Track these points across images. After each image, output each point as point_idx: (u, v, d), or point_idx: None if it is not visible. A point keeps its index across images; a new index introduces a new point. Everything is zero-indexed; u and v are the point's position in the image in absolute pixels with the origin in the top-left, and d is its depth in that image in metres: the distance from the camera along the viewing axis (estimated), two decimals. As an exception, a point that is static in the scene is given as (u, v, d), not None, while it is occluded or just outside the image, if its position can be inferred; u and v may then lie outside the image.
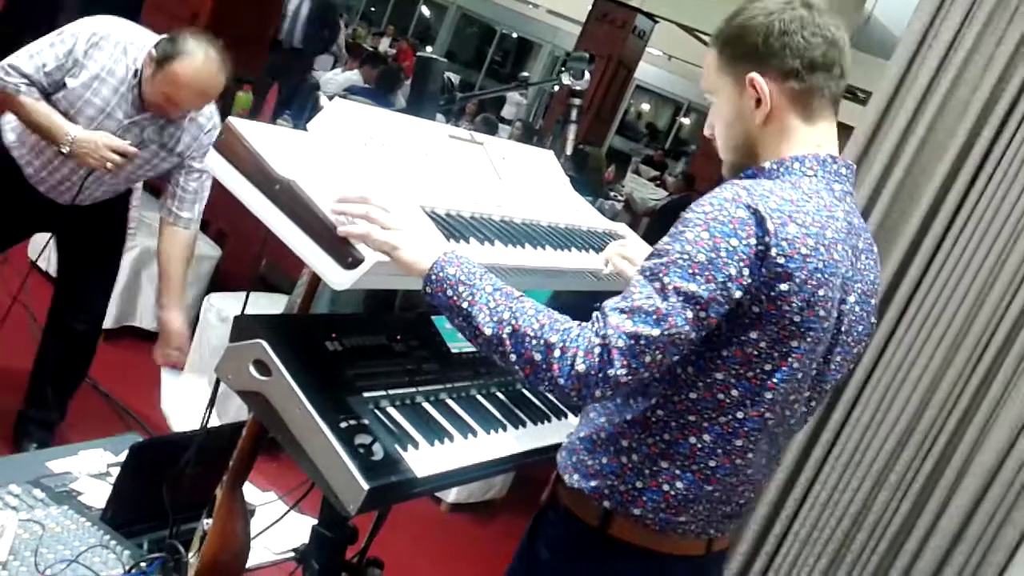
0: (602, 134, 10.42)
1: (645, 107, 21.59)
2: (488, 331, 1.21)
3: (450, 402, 1.52)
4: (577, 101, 1.98)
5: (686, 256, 1.15)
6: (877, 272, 1.37)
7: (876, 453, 2.65)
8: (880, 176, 2.69)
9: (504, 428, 1.54)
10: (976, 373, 2.52)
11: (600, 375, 1.14)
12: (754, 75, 1.25)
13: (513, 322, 1.19)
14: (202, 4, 4.33)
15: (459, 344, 1.64)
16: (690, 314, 1.14)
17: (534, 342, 1.18)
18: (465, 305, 1.23)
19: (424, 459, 1.32)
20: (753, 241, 1.15)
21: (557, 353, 1.16)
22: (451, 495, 3.29)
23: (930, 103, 2.63)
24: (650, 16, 9.64)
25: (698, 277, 1.14)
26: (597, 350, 1.15)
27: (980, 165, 2.55)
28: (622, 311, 1.16)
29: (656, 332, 1.14)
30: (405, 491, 1.28)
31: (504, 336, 1.19)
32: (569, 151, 2.03)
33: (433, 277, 1.26)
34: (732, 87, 1.29)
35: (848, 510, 2.69)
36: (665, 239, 1.20)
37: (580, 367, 1.15)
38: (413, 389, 1.46)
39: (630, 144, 18.30)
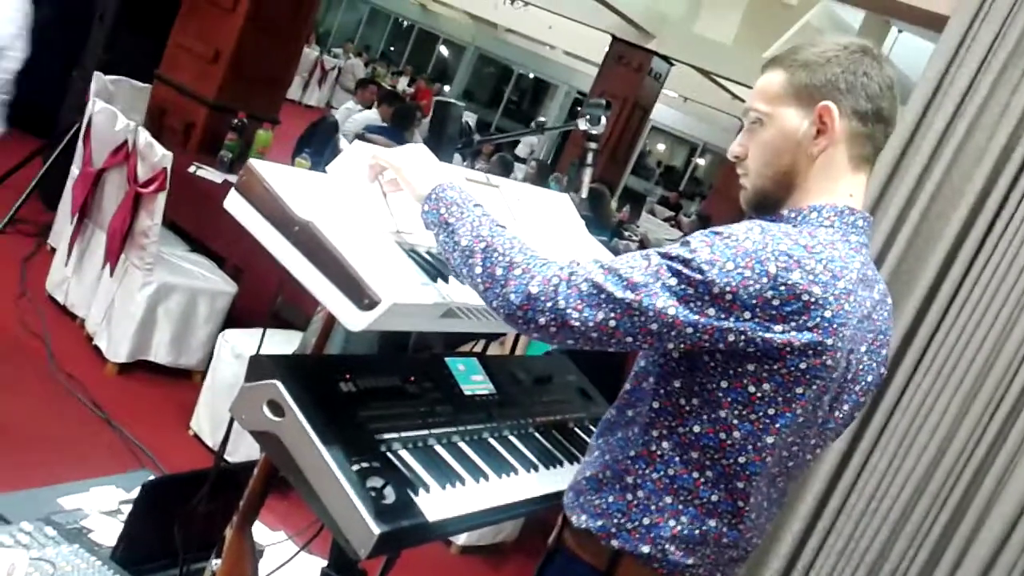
0: (617, 174, 10.47)
1: (661, 147, 21.73)
2: (464, 241, 1.27)
3: (462, 445, 1.51)
4: (593, 145, 1.99)
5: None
6: (890, 323, 1.35)
7: (893, 502, 2.61)
8: (896, 221, 2.68)
9: (516, 472, 1.53)
10: (995, 421, 2.49)
11: (550, 303, 1.16)
12: (829, 104, 1.25)
13: (490, 238, 1.26)
14: (225, 43, 4.38)
15: (472, 386, 1.64)
16: (659, 304, 1.13)
17: (502, 259, 1.23)
18: (452, 220, 1.31)
19: (436, 503, 1.31)
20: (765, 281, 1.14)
21: (518, 272, 1.20)
22: (461, 538, 3.25)
23: (946, 148, 2.63)
24: (666, 59, 9.73)
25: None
26: (555, 280, 1.18)
27: (998, 211, 2.55)
28: (601, 265, 1.18)
29: (619, 294, 1.14)
30: (416, 536, 1.27)
31: (477, 249, 1.25)
32: (584, 194, 2.05)
33: (433, 196, 1.35)
34: (795, 111, 1.27)
35: (864, 559, 2.64)
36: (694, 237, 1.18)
37: (533, 288, 1.18)
38: (426, 432, 1.45)
39: (644, 184, 18.39)
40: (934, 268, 2.60)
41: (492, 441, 1.58)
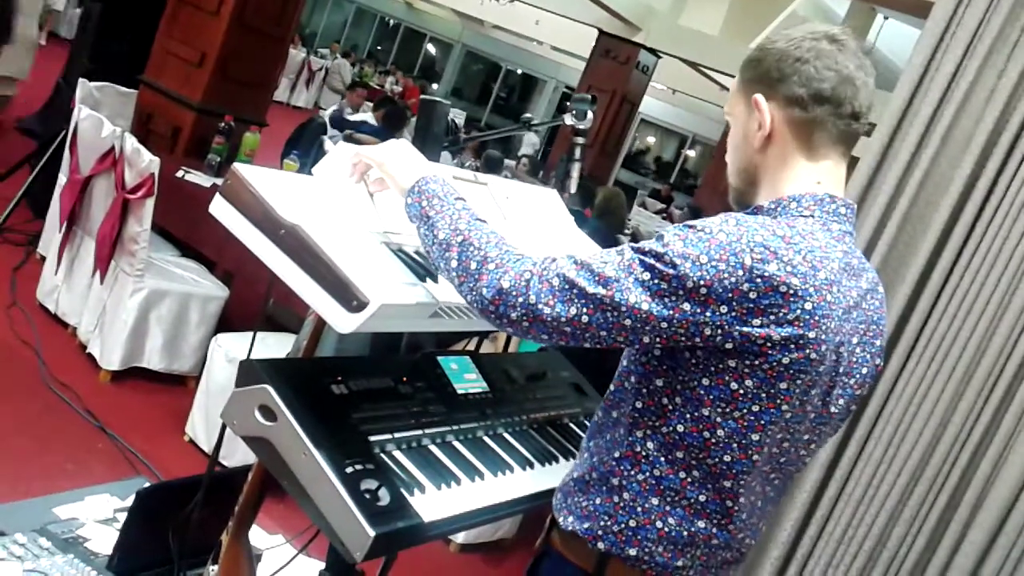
0: (607, 168, 10.48)
1: (651, 140, 21.74)
2: (442, 235, 1.28)
3: (457, 444, 1.51)
4: (580, 140, 1.99)
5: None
6: (883, 313, 1.32)
7: (890, 488, 2.62)
8: (885, 208, 2.68)
9: (511, 470, 1.53)
10: (988, 405, 2.50)
11: (521, 298, 1.16)
12: (758, 96, 1.26)
13: (467, 232, 1.26)
14: (210, 47, 4.37)
15: (465, 385, 1.63)
16: (632, 299, 1.12)
17: (477, 252, 1.23)
18: (432, 214, 1.31)
19: (431, 503, 1.31)
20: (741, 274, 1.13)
21: (492, 266, 1.21)
22: (460, 536, 3.26)
23: (934, 135, 2.63)
24: (653, 52, 9.73)
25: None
26: (527, 275, 1.18)
27: (987, 196, 2.55)
28: (575, 260, 1.18)
29: (591, 289, 1.14)
30: (412, 537, 1.27)
31: (454, 242, 1.26)
32: (573, 189, 2.04)
33: (416, 189, 1.35)
34: (744, 109, 1.29)
35: (863, 546, 2.65)
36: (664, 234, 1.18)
37: (505, 283, 1.18)
38: (419, 432, 1.45)
39: (636, 177, 18.41)
40: (924, 255, 2.61)
41: (487, 439, 1.57)
